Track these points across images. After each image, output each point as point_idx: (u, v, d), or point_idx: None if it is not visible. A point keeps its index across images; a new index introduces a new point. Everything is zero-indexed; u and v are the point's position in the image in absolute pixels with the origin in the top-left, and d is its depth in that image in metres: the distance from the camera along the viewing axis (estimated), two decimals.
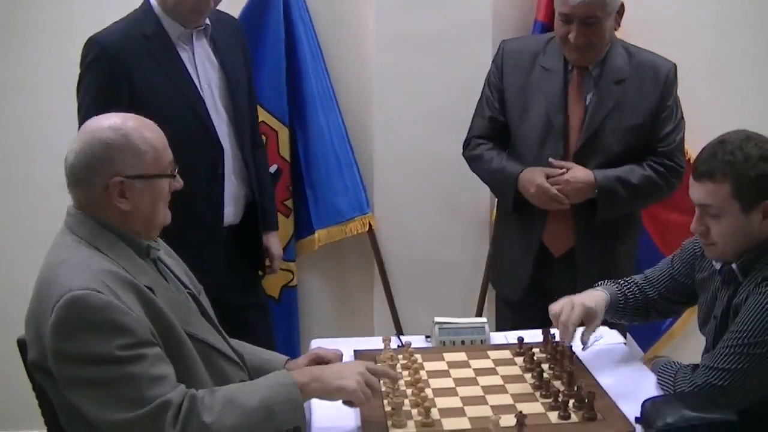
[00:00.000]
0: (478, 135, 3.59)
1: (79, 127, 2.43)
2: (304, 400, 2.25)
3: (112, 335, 2.08)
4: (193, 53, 3.25)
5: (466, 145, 3.63)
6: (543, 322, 2.91)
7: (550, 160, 3.30)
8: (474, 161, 3.60)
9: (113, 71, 3.10)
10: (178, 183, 2.40)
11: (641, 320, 3.01)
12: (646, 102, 3.33)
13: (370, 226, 4.17)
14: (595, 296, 2.83)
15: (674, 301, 2.93)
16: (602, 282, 2.96)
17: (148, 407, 2.09)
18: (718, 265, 2.67)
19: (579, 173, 3.28)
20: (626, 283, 2.94)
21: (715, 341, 2.60)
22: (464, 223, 4.25)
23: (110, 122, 2.28)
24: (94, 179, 2.24)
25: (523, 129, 3.44)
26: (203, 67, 3.27)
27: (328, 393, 2.31)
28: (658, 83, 3.34)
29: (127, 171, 2.24)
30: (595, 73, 3.34)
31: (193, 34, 3.24)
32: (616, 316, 2.93)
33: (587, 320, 2.76)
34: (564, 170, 3.28)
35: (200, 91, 3.23)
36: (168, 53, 3.19)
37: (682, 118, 3.42)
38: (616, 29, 3.34)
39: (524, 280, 3.52)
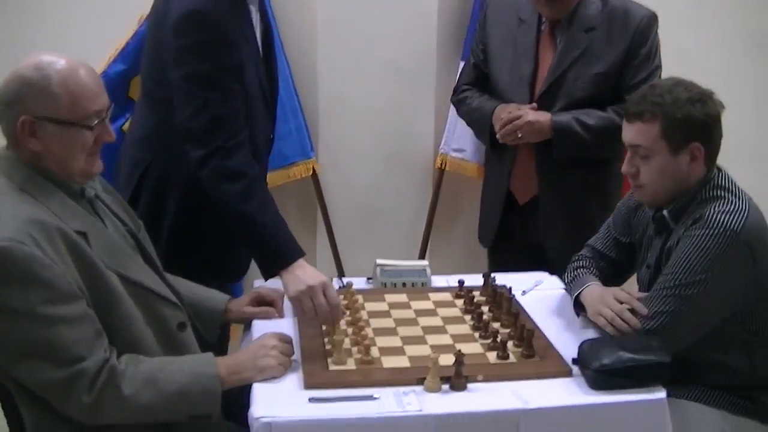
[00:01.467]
0: (465, 82, 3.69)
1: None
2: (223, 389, 2.27)
3: (32, 288, 2.07)
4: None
5: (455, 91, 3.73)
6: (515, 268, 3.08)
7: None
8: (459, 105, 3.70)
9: (229, 36, 2.78)
10: (109, 135, 2.32)
11: None
12: (612, 50, 3.32)
13: (314, 170, 4.16)
14: (600, 285, 2.78)
15: (625, 264, 2.93)
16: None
17: (62, 373, 2.10)
18: (651, 213, 2.72)
19: (538, 114, 3.31)
20: (587, 267, 2.90)
21: (649, 289, 2.64)
22: (408, 170, 4.26)
23: (38, 59, 2.22)
24: (8, 113, 2.20)
25: (496, 78, 3.52)
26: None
27: (251, 380, 2.33)
28: (629, 31, 3.31)
29: (37, 111, 2.19)
30: (565, 22, 3.36)
31: None
32: None
33: None
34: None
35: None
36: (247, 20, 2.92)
37: (659, 67, 3.39)
38: None
39: (494, 226, 3.60)
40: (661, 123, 2.53)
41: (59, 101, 2.20)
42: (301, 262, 2.63)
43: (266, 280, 2.73)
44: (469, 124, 3.71)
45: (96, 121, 2.26)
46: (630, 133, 2.62)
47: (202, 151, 2.64)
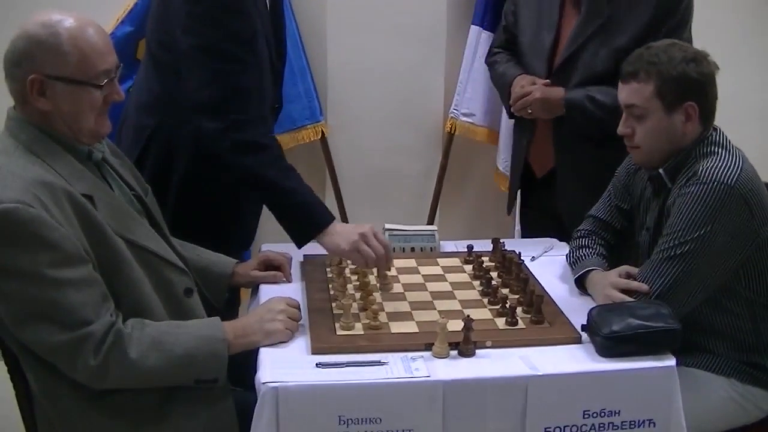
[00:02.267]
0: (496, 44, 3.62)
1: None
2: (230, 353, 2.27)
3: (39, 250, 2.06)
4: None
5: (488, 53, 3.67)
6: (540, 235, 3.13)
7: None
8: (489, 68, 3.65)
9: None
10: (117, 95, 2.30)
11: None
12: (634, 21, 3.10)
13: (323, 133, 4.14)
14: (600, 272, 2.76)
15: (627, 231, 2.93)
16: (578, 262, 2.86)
17: (68, 336, 2.10)
18: (647, 174, 2.72)
19: (550, 90, 3.23)
20: (589, 246, 2.89)
21: (650, 252, 2.64)
22: (417, 134, 4.24)
23: (47, 18, 2.20)
24: (17, 72, 2.18)
25: (520, 45, 3.42)
26: None
27: (257, 344, 2.32)
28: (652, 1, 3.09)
29: (46, 70, 2.17)
30: None
31: None
32: None
33: None
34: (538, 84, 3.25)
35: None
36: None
37: (689, 41, 3.07)
38: None
39: (514, 195, 3.63)
40: (656, 82, 2.54)
41: (69, 59, 2.18)
42: (334, 223, 2.64)
43: (299, 247, 2.71)
44: (496, 89, 3.64)
45: (105, 80, 2.25)
46: (625, 92, 2.63)
47: (218, 124, 2.62)
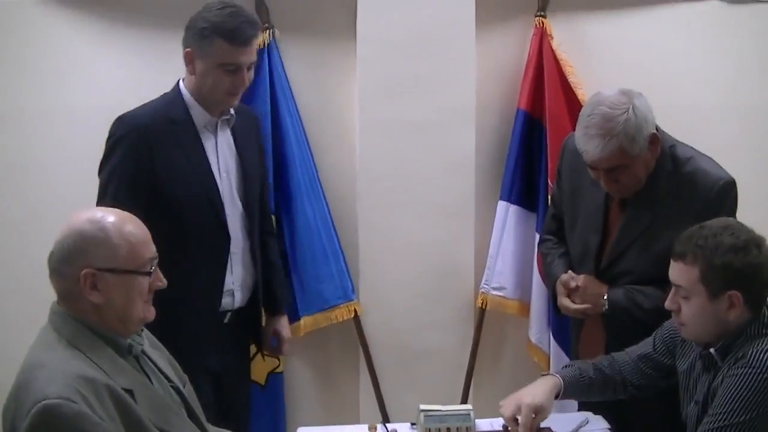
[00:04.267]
0: (546, 231, 3.58)
1: (97, 203, 2.61)
2: None
3: None
4: (216, 142, 3.28)
5: (539, 241, 3.65)
6: None
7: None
8: (541, 257, 3.60)
9: (139, 148, 3.13)
10: (161, 281, 2.40)
11: (614, 395, 2.95)
12: (679, 225, 2.75)
13: (356, 312, 4.17)
14: (541, 387, 2.82)
15: (649, 375, 2.90)
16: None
17: None
18: (698, 349, 2.69)
19: (593, 282, 3.17)
20: (592, 362, 2.93)
21: (697, 426, 2.61)
22: (449, 309, 4.24)
23: (90, 215, 2.30)
24: (68, 270, 2.25)
25: (570, 241, 3.37)
26: (224, 155, 3.30)
27: None
28: (698, 201, 2.96)
29: (98, 263, 2.25)
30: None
31: (218, 123, 3.28)
32: (583, 395, 2.96)
33: (537, 414, 2.77)
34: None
35: (218, 180, 3.25)
36: (192, 139, 3.22)
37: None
38: (653, 157, 3.00)
39: None
40: (701, 267, 2.53)
41: (119, 251, 2.27)
42: None
43: None
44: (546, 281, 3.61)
45: (151, 267, 2.33)
46: (674, 272, 2.62)
47: None
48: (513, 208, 4.19)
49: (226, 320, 3.33)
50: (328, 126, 4.21)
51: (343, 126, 4.20)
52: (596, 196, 3.18)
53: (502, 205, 4.20)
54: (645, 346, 2.94)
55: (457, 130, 4.11)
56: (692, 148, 3.10)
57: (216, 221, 3.23)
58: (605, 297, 3.11)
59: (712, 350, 2.61)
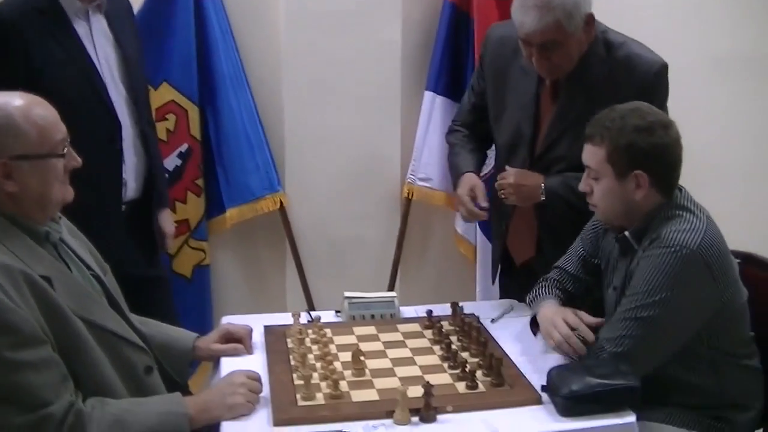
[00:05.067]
0: (457, 120, 3.54)
1: None
2: (192, 428, 2.27)
3: None
4: (90, 28, 3.22)
5: (448, 130, 3.57)
6: None
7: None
8: (448, 146, 3.54)
9: (9, 44, 3.05)
10: (75, 161, 2.34)
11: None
12: None
13: (281, 204, 4.16)
14: (555, 305, 2.80)
15: (594, 283, 2.93)
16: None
17: (28, 417, 2.09)
18: (615, 234, 2.74)
19: (527, 175, 3.12)
20: (549, 287, 2.91)
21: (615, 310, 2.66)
22: (375, 201, 4.26)
23: None
24: None
25: (497, 131, 3.31)
26: (100, 42, 3.24)
27: (220, 418, 2.33)
28: (633, 86, 2.94)
29: (9, 152, 2.19)
30: (565, 78, 3.06)
31: (89, 9, 3.21)
32: None
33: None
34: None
35: (98, 66, 3.20)
36: (64, 28, 3.15)
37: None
38: (587, 40, 2.98)
39: (495, 273, 3.55)
40: (607, 148, 2.57)
41: (29, 137, 2.20)
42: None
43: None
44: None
45: (64, 149, 2.28)
46: (585, 153, 2.66)
47: None
48: (439, 99, 4.17)
49: (122, 211, 3.31)
50: (253, 15, 4.11)
51: (268, 15, 4.11)
52: (527, 84, 3.15)
53: (428, 95, 4.18)
54: (574, 252, 2.98)
55: (383, 21, 4.07)
56: (623, 34, 3.08)
57: (102, 107, 3.19)
58: (543, 186, 3.09)
59: (626, 233, 2.66)
